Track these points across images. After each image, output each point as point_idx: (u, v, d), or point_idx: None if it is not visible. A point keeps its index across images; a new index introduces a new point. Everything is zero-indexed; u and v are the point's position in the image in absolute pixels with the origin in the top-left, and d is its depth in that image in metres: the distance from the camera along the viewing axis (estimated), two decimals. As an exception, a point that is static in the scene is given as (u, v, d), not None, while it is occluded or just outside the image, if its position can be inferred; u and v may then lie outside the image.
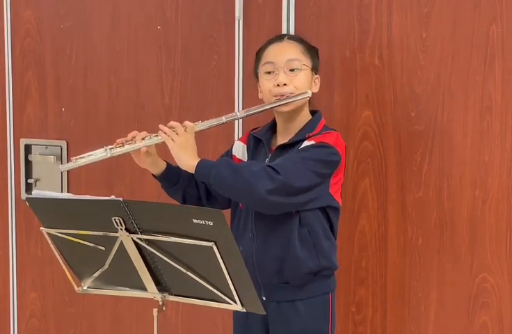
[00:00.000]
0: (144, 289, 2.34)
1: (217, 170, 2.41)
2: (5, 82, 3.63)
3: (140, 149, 2.51)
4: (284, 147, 2.55)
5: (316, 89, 2.62)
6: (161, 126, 2.49)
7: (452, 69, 2.74)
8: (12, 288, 3.73)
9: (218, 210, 2.10)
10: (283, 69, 2.53)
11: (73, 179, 3.53)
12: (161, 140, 2.49)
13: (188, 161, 2.46)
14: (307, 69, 2.57)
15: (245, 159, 2.65)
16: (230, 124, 3.10)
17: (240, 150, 2.68)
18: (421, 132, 2.80)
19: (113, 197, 2.20)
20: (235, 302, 2.21)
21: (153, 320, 2.34)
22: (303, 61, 2.55)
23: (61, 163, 3.51)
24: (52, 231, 2.31)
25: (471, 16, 2.70)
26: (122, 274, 2.34)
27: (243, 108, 3.01)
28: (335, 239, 2.60)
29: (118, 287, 2.39)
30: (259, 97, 2.63)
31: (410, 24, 2.79)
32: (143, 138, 2.51)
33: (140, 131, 2.54)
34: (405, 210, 2.84)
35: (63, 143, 3.52)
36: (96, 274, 2.35)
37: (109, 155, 2.51)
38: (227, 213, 2.42)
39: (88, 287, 2.40)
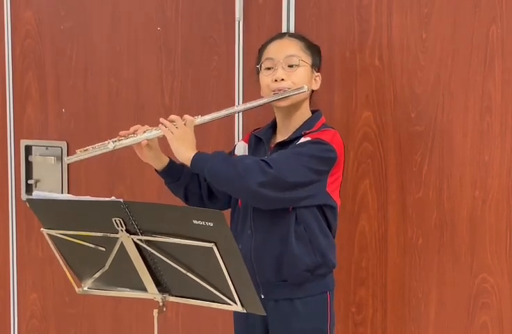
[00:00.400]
0: (144, 289, 2.34)
1: (212, 162, 2.44)
2: (5, 83, 3.64)
3: (141, 142, 2.54)
4: (283, 145, 2.57)
5: (316, 87, 2.64)
6: (161, 119, 2.54)
7: (452, 69, 2.75)
8: (12, 289, 3.73)
9: (218, 211, 2.11)
10: (282, 64, 2.56)
11: (73, 180, 3.53)
12: (162, 134, 2.53)
13: (185, 153, 2.49)
14: (306, 66, 2.58)
15: None
16: (231, 125, 3.11)
17: (241, 149, 2.71)
18: (421, 133, 2.80)
19: (113, 198, 2.20)
20: (235, 303, 2.22)
21: (153, 321, 2.34)
22: (302, 58, 2.57)
23: (61, 164, 3.52)
24: (52, 232, 2.31)
25: (471, 16, 2.71)
26: (123, 275, 2.34)
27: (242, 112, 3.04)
28: (334, 237, 2.60)
29: (118, 288, 2.39)
30: (261, 94, 2.65)
31: (410, 25, 2.79)
32: (144, 132, 2.55)
33: (140, 130, 2.58)
34: (405, 210, 2.85)
35: (63, 144, 3.52)
36: (96, 275, 2.35)
37: (112, 147, 2.54)
38: (227, 213, 2.42)
39: (88, 288, 2.40)
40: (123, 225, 2.20)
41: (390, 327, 2.91)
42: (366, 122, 2.88)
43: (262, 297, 2.52)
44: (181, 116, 2.55)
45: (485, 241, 2.74)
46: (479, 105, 2.71)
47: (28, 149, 3.62)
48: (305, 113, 2.62)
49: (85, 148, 2.57)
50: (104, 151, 2.56)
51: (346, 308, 2.96)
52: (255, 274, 2.52)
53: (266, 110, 2.81)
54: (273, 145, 2.61)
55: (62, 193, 3.49)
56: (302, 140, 2.52)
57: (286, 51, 2.58)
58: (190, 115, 2.56)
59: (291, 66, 2.56)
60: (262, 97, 2.62)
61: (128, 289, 2.38)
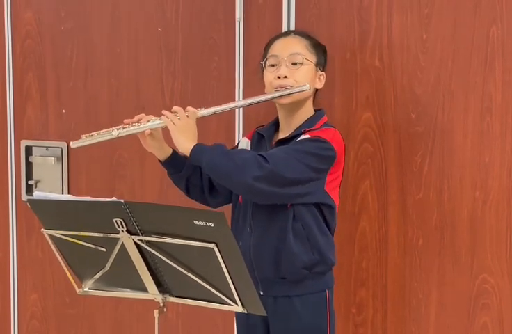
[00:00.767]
0: (145, 290, 2.34)
1: (211, 154, 2.45)
2: (5, 84, 3.64)
3: (144, 131, 2.56)
4: (284, 142, 2.58)
5: (320, 85, 2.65)
6: (164, 111, 2.55)
7: (452, 70, 2.75)
8: (12, 289, 3.73)
9: (219, 212, 2.11)
10: (285, 62, 2.57)
11: (73, 181, 3.53)
12: (164, 124, 2.54)
13: (185, 144, 2.50)
14: (310, 65, 2.59)
15: None
16: (231, 123, 3.11)
17: (244, 146, 2.72)
18: (422, 133, 2.80)
19: (114, 198, 2.20)
20: (236, 303, 2.22)
21: (154, 321, 2.34)
22: (306, 56, 2.59)
23: (61, 165, 3.52)
24: (53, 232, 2.31)
25: (471, 17, 2.71)
26: (123, 275, 2.34)
27: (242, 109, 3.05)
28: (332, 236, 2.61)
29: (119, 289, 2.39)
30: (265, 91, 2.65)
31: (411, 25, 2.79)
32: (148, 121, 2.57)
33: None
34: (406, 211, 2.85)
35: (64, 145, 3.52)
36: (97, 275, 2.35)
37: (116, 134, 2.57)
38: (227, 213, 2.42)
39: (88, 288, 2.40)
40: (124, 225, 2.20)
41: (391, 328, 2.91)
42: (367, 123, 2.88)
43: (261, 293, 2.53)
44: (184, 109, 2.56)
45: (486, 241, 2.74)
46: (479, 106, 2.71)
47: (29, 150, 3.62)
48: (307, 111, 2.63)
49: (90, 134, 2.60)
50: (108, 137, 2.58)
51: (347, 309, 2.95)
52: (254, 270, 2.53)
53: (267, 107, 2.82)
54: (274, 142, 2.62)
55: (62, 193, 3.50)
56: (302, 137, 2.53)
57: (290, 48, 2.59)
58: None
59: (294, 64, 2.58)
60: (266, 93, 2.64)
61: (128, 290, 2.38)
